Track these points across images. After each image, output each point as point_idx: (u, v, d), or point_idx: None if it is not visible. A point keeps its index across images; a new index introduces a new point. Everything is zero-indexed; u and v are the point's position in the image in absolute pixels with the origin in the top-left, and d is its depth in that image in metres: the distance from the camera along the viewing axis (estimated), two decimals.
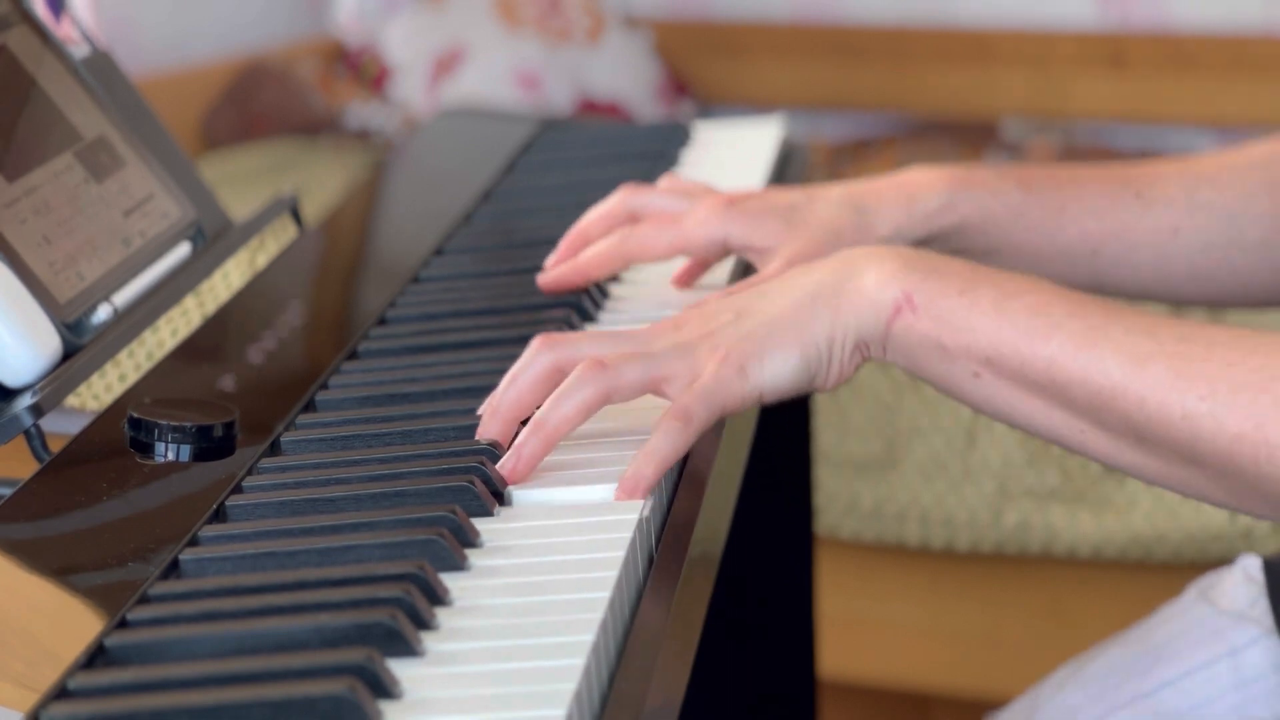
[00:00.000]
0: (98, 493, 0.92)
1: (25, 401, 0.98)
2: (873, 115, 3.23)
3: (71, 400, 1.11)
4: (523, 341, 1.01)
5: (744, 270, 1.20)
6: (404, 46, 3.13)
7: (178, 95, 2.92)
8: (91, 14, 2.83)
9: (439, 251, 1.27)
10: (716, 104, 3.29)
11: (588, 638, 0.75)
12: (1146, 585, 2.19)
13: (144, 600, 0.81)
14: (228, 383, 1.05)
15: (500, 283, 1.20)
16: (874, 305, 0.93)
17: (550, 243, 1.19)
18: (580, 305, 1.12)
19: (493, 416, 0.93)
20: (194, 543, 0.86)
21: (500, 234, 1.32)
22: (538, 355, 0.93)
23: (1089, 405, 0.91)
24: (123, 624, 0.79)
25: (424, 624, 0.77)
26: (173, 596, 0.81)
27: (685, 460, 0.96)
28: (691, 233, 1.11)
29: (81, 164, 1.13)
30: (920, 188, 1.13)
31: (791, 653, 1.67)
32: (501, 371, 0.98)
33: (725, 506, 1.00)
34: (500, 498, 0.89)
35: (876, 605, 2.34)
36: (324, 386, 1.04)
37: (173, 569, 0.84)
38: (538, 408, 0.92)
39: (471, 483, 0.88)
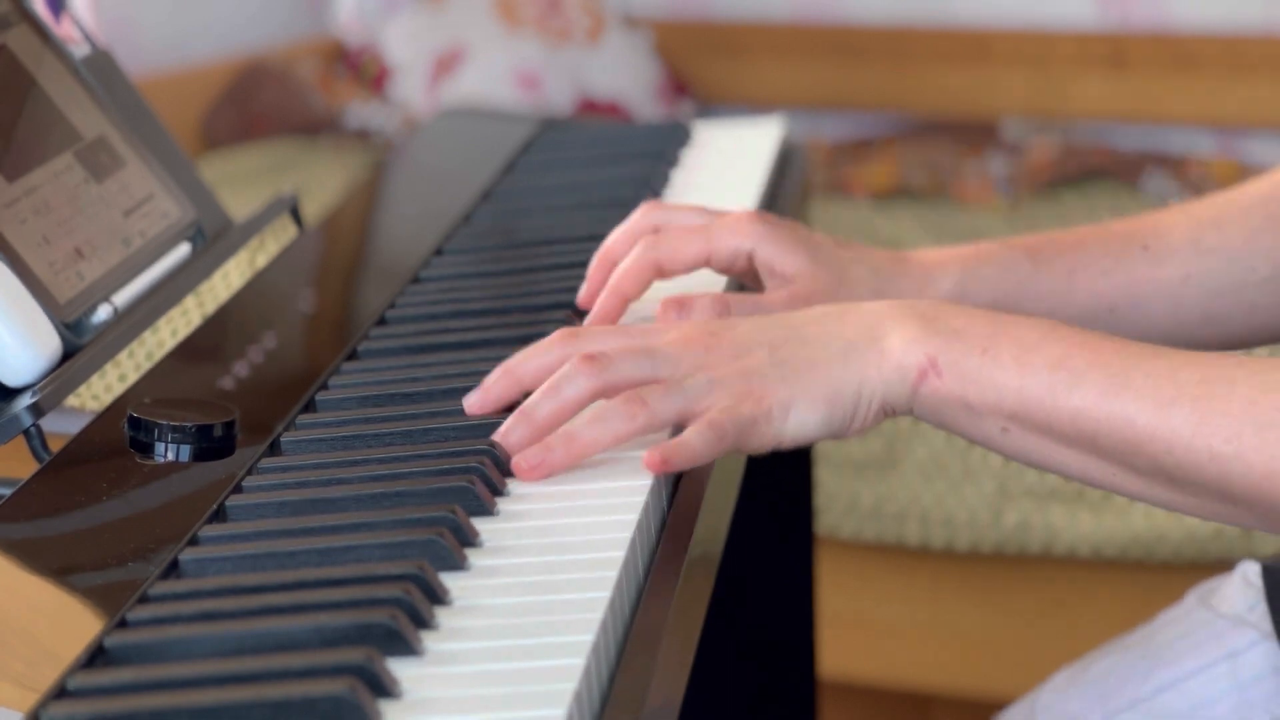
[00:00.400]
0: (98, 493, 0.92)
1: (25, 401, 0.98)
2: (873, 115, 3.23)
3: (71, 400, 1.11)
4: (523, 341, 1.01)
5: (738, 289, 1.20)
6: (404, 46, 3.13)
7: (178, 95, 2.92)
8: (91, 14, 2.83)
9: (439, 251, 1.27)
10: (716, 104, 3.29)
11: (588, 638, 0.75)
12: (1147, 585, 2.19)
13: (144, 600, 0.81)
14: (228, 383, 1.05)
15: (500, 283, 1.20)
16: (900, 370, 0.94)
17: (550, 243, 1.19)
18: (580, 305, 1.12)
19: (527, 423, 0.93)
20: (194, 543, 0.86)
21: (500, 234, 1.32)
22: (578, 374, 0.93)
23: (1118, 452, 0.92)
24: (122, 624, 0.79)
25: (424, 624, 0.77)
26: (173, 596, 0.81)
27: None
28: (721, 240, 1.10)
29: (81, 164, 1.13)
30: (934, 268, 1.13)
31: (791, 653, 1.67)
32: None
33: (725, 506, 1.00)
34: (500, 497, 0.90)
35: (876, 605, 2.34)
36: (324, 386, 1.04)
37: (173, 569, 0.84)
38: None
39: (471, 483, 0.88)
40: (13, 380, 1.00)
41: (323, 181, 2.71)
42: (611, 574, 0.81)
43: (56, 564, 0.86)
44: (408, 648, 0.75)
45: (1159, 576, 2.18)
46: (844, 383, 0.94)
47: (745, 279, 1.13)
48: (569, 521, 0.87)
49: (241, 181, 2.70)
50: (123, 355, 1.24)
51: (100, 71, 1.22)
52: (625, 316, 1.10)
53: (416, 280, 1.22)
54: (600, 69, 3.14)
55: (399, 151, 1.78)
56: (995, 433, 0.95)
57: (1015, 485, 2.20)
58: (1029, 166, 2.82)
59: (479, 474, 0.89)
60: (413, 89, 3.08)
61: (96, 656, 0.77)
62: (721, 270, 1.12)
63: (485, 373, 1.01)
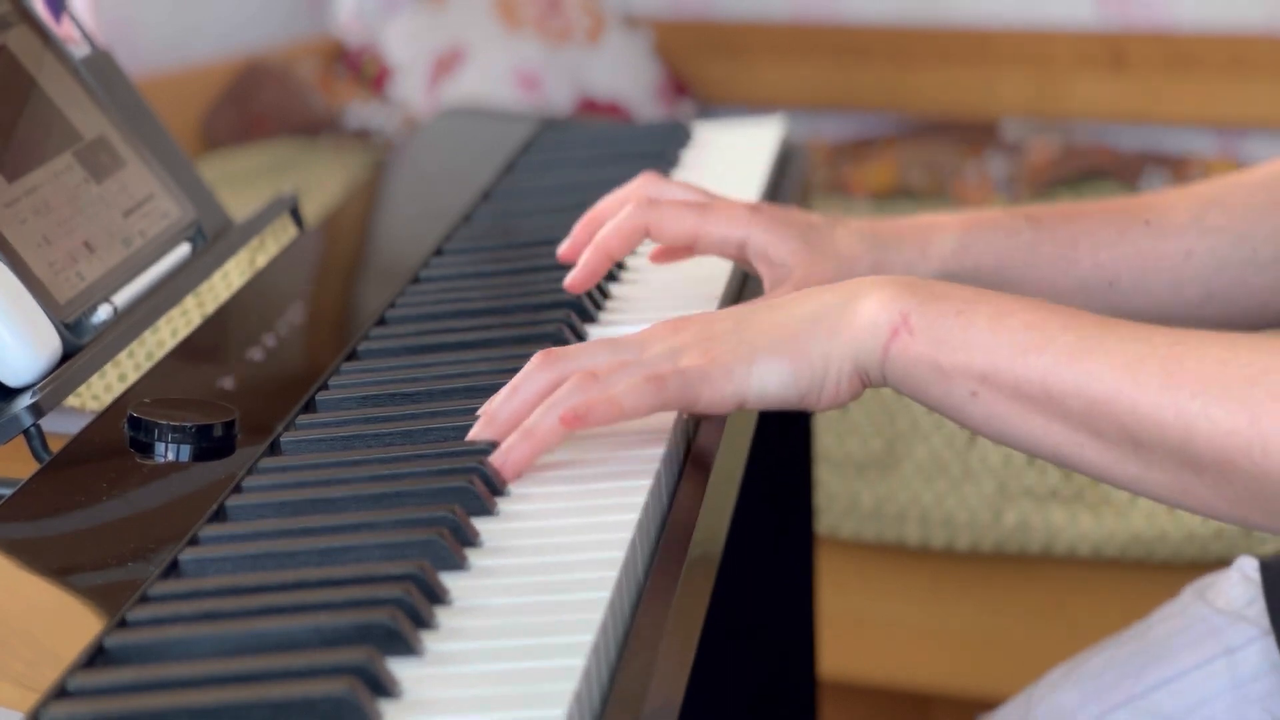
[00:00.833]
0: (98, 493, 0.92)
1: (25, 401, 0.98)
2: (873, 115, 3.23)
3: (71, 400, 1.11)
4: (523, 342, 1.01)
5: (743, 278, 1.20)
6: (404, 46, 3.13)
7: (178, 95, 2.92)
8: (91, 14, 2.83)
9: (439, 251, 1.27)
10: (716, 104, 3.29)
11: (588, 638, 0.75)
12: (1146, 585, 2.19)
13: (144, 600, 0.81)
14: (228, 383, 1.05)
15: (500, 283, 1.20)
16: (872, 328, 0.93)
17: (550, 243, 1.19)
18: (580, 305, 1.12)
19: (489, 424, 0.93)
20: (194, 543, 0.86)
21: (500, 234, 1.32)
22: (539, 369, 0.93)
23: (1085, 415, 0.91)
24: (122, 624, 0.79)
25: (424, 624, 0.77)
26: (173, 596, 0.81)
27: (685, 460, 0.96)
28: (713, 226, 1.10)
29: (81, 164, 1.13)
30: (935, 230, 1.13)
31: (791, 653, 1.67)
32: (502, 372, 0.98)
33: (725, 506, 1.00)
34: (500, 497, 0.89)
35: (876, 605, 2.34)
36: (324, 386, 1.04)
37: (173, 569, 0.84)
38: None
39: (471, 483, 0.88)
40: (13, 380, 1.00)
41: (323, 181, 2.72)
42: (611, 574, 0.81)
43: (56, 564, 0.86)
44: (408, 648, 0.75)
45: (1159, 576, 2.18)
46: (811, 341, 0.93)
47: (743, 266, 1.14)
48: (569, 522, 0.87)
49: (241, 181, 2.70)
50: (123, 355, 1.24)
51: (100, 72, 1.22)
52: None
53: (416, 280, 1.22)
54: (600, 69, 3.14)
55: (399, 151, 1.78)
56: (964, 397, 0.93)
57: (1015, 485, 2.20)
58: (1029, 166, 2.82)
59: (479, 474, 0.89)
60: (413, 89, 3.08)
61: (96, 656, 0.77)
62: (706, 253, 1.12)
63: (485, 373, 1.01)
